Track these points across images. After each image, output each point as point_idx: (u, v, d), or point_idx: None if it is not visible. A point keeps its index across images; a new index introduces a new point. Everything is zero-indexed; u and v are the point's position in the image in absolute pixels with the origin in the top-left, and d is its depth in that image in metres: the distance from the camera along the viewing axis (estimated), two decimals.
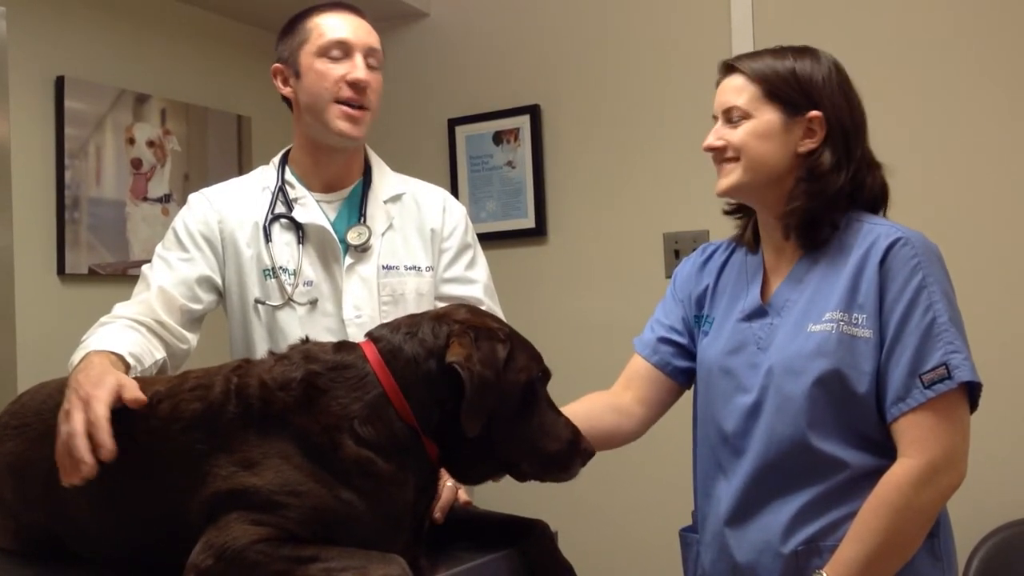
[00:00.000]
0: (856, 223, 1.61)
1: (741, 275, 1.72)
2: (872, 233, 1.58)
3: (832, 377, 1.52)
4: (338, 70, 1.81)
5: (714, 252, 1.81)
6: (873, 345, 1.52)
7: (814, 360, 1.53)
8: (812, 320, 1.57)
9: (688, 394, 1.82)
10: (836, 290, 1.56)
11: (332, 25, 1.84)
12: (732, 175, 1.64)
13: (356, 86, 1.80)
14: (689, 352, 1.78)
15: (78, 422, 1.28)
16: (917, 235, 1.56)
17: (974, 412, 1.53)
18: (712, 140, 1.66)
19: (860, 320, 1.53)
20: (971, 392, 1.52)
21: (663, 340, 1.80)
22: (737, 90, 1.64)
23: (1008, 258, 2.75)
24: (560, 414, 1.40)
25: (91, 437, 1.27)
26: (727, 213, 1.79)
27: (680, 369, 1.78)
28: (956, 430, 1.49)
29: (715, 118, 1.68)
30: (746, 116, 1.62)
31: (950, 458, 1.48)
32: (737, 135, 1.63)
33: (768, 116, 1.61)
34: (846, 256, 1.58)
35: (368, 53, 1.84)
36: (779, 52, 1.65)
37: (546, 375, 1.39)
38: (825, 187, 1.59)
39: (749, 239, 1.73)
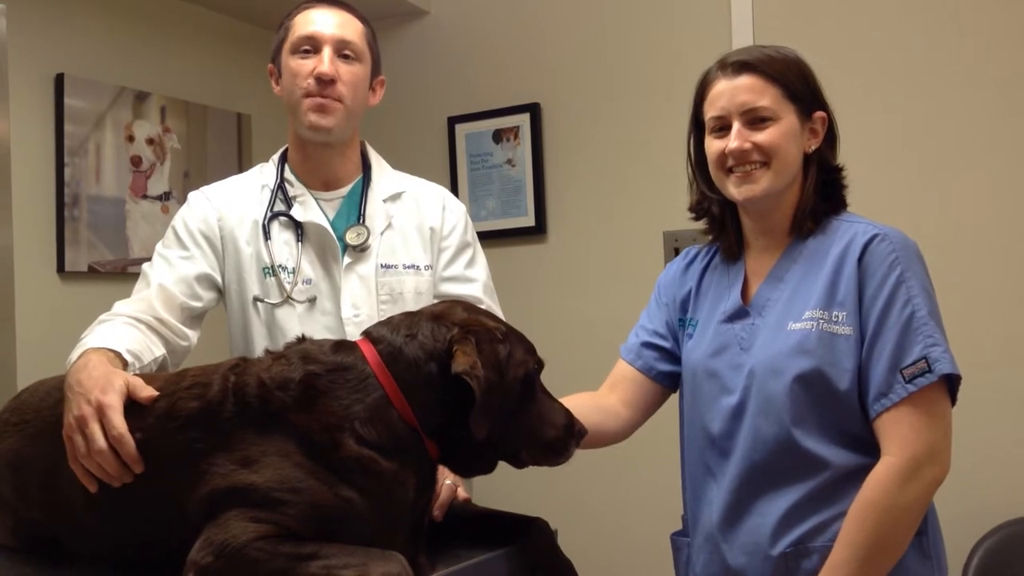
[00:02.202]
0: (834, 221, 1.62)
1: (723, 277, 1.72)
2: (850, 231, 1.58)
3: (813, 375, 1.52)
4: (308, 65, 1.81)
5: (696, 255, 1.80)
6: (854, 342, 1.52)
7: (794, 358, 1.53)
8: (792, 319, 1.57)
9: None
10: (815, 288, 1.56)
11: (304, 21, 1.85)
12: (763, 180, 1.58)
13: (321, 80, 1.80)
14: (673, 356, 1.78)
15: (98, 436, 1.29)
16: (895, 231, 1.57)
17: (954, 405, 1.53)
18: (739, 143, 1.58)
19: (840, 317, 1.53)
20: (951, 386, 1.52)
21: (647, 345, 1.80)
22: (757, 90, 1.58)
23: (1007, 258, 2.75)
24: (554, 400, 1.42)
25: (116, 451, 1.29)
26: (697, 218, 1.76)
27: (664, 373, 1.78)
28: (938, 424, 1.49)
29: (718, 119, 1.61)
30: (773, 118, 1.57)
31: (931, 453, 1.47)
32: (768, 137, 1.57)
33: (791, 117, 1.59)
34: (825, 254, 1.58)
35: (340, 46, 1.83)
36: (779, 50, 1.63)
37: (540, 365, 1.40)
38: (834, 186, 1.62)
39: (733, 245, 1.71)
